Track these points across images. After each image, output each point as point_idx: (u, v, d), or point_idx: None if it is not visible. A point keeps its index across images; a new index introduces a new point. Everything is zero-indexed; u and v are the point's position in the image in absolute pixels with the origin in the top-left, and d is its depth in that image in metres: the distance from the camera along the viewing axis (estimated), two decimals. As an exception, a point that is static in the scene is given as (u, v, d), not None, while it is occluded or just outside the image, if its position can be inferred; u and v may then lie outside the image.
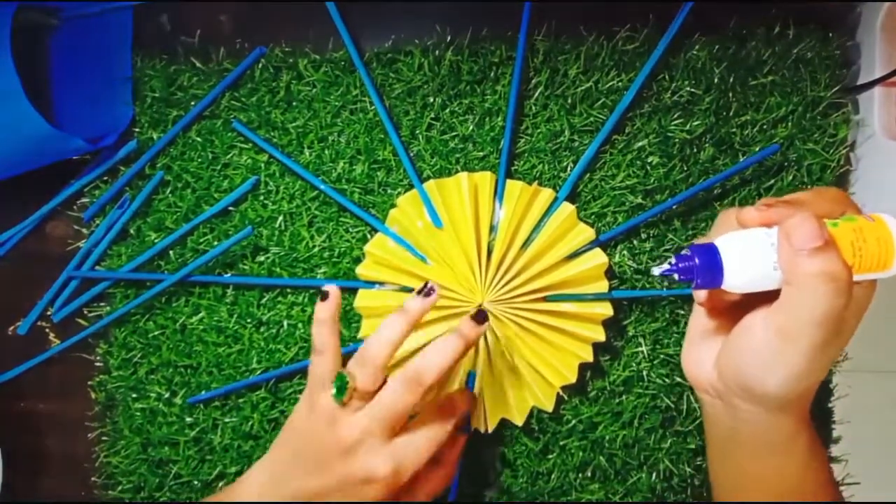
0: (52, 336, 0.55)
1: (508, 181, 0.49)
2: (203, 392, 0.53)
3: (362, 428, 0.38)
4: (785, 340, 0.31)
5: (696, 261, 0.32)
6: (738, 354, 0.34)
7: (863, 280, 0.32)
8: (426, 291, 0.40)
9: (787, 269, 0.31)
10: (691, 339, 0.38)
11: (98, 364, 0.55)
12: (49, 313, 0.55)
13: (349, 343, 0.52)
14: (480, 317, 0.40)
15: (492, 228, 0.49)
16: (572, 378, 0.47)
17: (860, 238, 0.31)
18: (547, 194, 0.48)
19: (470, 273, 0.47)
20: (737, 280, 0.32)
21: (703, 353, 0.37)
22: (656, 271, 0.34)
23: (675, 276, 0.33)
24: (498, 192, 0.49)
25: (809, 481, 0.36)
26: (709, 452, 0.40)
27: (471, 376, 0.48)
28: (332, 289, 0.41)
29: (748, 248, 0.32)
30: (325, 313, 0.40)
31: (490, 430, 0.49)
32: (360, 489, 0.38)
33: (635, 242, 0.51)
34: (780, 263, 0.31)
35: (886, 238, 0.31)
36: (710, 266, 0.32)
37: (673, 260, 0.33)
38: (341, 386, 0.38)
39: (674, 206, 0.49)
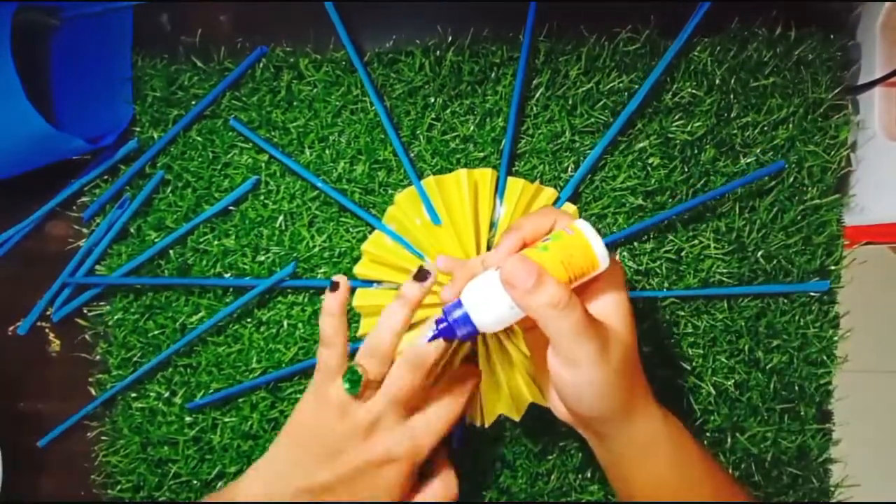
0: (51, 336, 0.55)
1: (510, 178, 0.49)
2: (202, 394, 0.53)
3: (377, 412, 0.39)
4: (570, 365, 0.35)
5: (450, 319, 0.37)
6: (559, 393, 0.38)
7: (584, 281, 0.37)
8: (422, 276, 0.40)
9: (523, 308, 0.35)
10: (551, 389, 0.40)
11: (98, 363, 0.55)
12: (49, 313, 0.55)
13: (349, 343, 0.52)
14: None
15: (492, 225, 0.49)
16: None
17: (567, 254, 0.36)
18: (549, 193, 0.48)
19: (470, 273, 0.47)
20: (487, 324, 0.37)
21: (555, 399, 0.40)
22: (423, 342, 0.39)
23: (441, 340, 0.39)
24: (499, 192, 0.49)
25: (686, 476, 0.39)
26: (608, 477, 0.42)
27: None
28: (342, 279, 0.41)
29: (486, 295, 0.37)
30: (334, 304, 0.41)
31: (487, 426, 0.49)
32: (379, 472, 0.39)
33: (635, 244, 0.51)
34: (515, 304, 0.36)
35: (585, 246, 0.36)
36: (462, 320, 0.37)
37: (434, 326, 0.38)
38: (355, 380, 0.39)
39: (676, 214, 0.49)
